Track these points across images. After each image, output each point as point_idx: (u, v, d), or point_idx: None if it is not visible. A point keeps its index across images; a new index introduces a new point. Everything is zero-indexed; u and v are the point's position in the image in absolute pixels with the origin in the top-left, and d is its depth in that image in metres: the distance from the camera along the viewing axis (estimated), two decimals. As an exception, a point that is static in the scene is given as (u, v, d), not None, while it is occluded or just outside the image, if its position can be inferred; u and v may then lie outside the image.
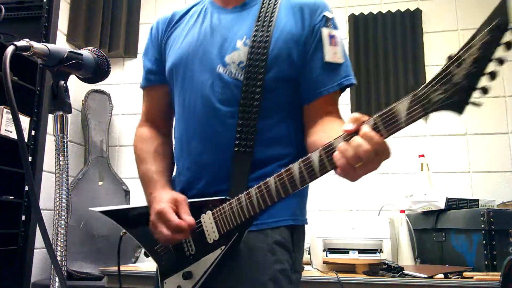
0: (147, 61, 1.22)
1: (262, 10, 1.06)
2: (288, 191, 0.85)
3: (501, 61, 0.62)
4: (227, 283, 0.97)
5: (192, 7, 1.19)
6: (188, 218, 0.94)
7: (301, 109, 1.06)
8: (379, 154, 0.73)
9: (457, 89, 0.66)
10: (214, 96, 1.01)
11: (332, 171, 0.82)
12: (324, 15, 1.05)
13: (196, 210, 0.98)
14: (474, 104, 0.66)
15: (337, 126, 0.94)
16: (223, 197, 0.96)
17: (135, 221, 1.06)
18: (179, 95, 1.09)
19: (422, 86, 0.69)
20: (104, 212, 1.09)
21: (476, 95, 0.66)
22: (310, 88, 1.03)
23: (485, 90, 0.65)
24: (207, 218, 0.97)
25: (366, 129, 0.73)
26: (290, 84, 1.03)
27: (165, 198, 0.98)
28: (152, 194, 1.03)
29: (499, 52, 0.62)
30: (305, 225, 1.09)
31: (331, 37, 1.04)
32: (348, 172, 0.77)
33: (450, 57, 0.67)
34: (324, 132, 0.96)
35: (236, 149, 0.98)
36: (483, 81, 0.64)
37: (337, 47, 1.04)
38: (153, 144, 1.14)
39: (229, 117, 0.99)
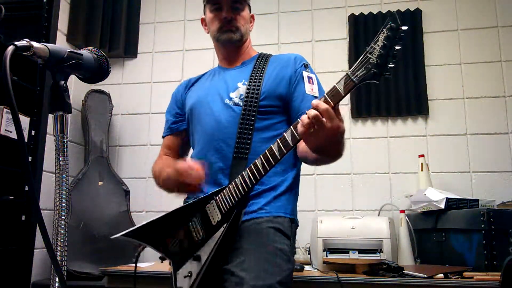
0: (170, 116, 1.63)
1: (256, 65, 1.49)
2: (271, 163, 1.12)
3: (397, 49, 0.98)
4: (234, 258, 1.20)
5: (204, 74, 1.65)
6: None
7: None
8: (329, 119, 1.00)
9: (373, 65, 0.98)
10: (224, 119, 1.40)
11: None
12: (303, 63, 1.47)
13: (203, 203, 1.26)
14: (387, 74, 0.99)
15: None
16: (224, 186, 1.26)
17: (150, 235, 1.25)
18: (199, 124, 1.48)
19: (351, 68, 1.01)
20: (126, 235, 1.21)
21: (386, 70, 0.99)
22: (294, 112, 1.41)
23: (392, 67, 0.98)
24: (212, 206, 1.26)
25: (316, 101, 1.02)
26: (279, 110, 1.42)
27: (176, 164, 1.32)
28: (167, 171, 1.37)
29: (396, 43, 0.98)
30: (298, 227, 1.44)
31: (309, 78, 1.45)
32: (306, 138, 1.05)
33: (366, 47, 1.00)
34: None
35: (235, 155, 1.34)
36: (390, 62, 0.99)
37: (314, 85, 1.44)
38: (168, 161, 1.51)
39: (233, 133, 1.37)
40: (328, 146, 1.06)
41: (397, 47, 0.98)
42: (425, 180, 2.43)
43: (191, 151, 1.60)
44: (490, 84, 2.63)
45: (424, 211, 2.25)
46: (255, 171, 1.15)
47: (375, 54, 0.99)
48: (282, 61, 1.49)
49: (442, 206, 2.09)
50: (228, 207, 1.21)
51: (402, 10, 2.80)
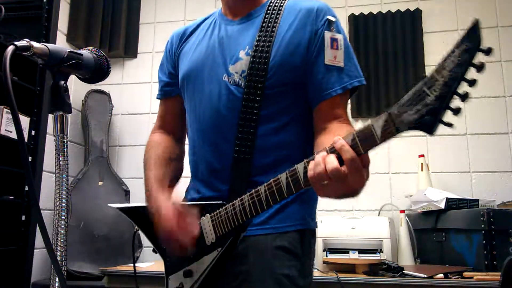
0: (162, 74, 1.28)
1: (265, 20, 1.09)
2: (276, 199, 0.87)
3: (472, 83, 0.63)
4: (231, 284, 1.01)
5: (204, 20, 1.25)
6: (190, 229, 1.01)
7: (310, 113, 1.07)
8: (354, 171, 0.75)
9: (429, 110, 0.67)
10: (222, 105, 1.06)
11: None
12: (327, 19, 1.06)
13: (197, 212, 1.03)
14: (446, 124, 0.67)
15: (345, 134, 0.95)
16: (220, 202, 1.01)
17: (147, 219, 1.08)
18: (190, 105, 1.16)
19: (396, 105, 0.70)
20: (120, 209, 1.15)
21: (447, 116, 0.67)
22: (315, 91, 1.04)
23: (456, 111, 0.65)
24: (206, 221, 1.02)
25: (341, 141, 0.75)
26: (293, 89, 1.05)
27: (164, 206, 1.02)
28: (151, 199, 1.08)
29: (471, 73, 0.63)
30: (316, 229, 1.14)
31: (333, 40, 1.04)
32: (316, 188, 0.78)
33: (423, 77, 0.67)
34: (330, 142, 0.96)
35: (236, 155, 1.03)
36: (455, 102, 0.65)
37: (339, 50, 1.04)
38: (158, 149, 1.20)
39: (233, 123, 1.04)
40: (343, 197, 0.81)
41: (469, 82, 0.63)
42: (425, 180, 2.43)
43: None
44: (490, 84, 2.63)
45: (424, 211, 2.25)
46: (257, 202, 0.90)
47: (435, 91, 0.65)
48: (300, 13, 1.08)
49: (442, 206, 2.09)
50: (224, 231, 0.98)
51: (402, 10, 2.80)
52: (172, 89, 1.25)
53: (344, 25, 2.88)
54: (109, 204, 1.16)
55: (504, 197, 2.40)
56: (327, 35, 1.05)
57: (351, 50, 1.08)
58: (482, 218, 1.85)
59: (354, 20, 2.85)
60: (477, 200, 2.13)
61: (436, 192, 2.21)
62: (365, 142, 0.74)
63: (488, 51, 0.61)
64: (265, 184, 0.88)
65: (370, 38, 2.82)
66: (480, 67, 0.62)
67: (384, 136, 0.71)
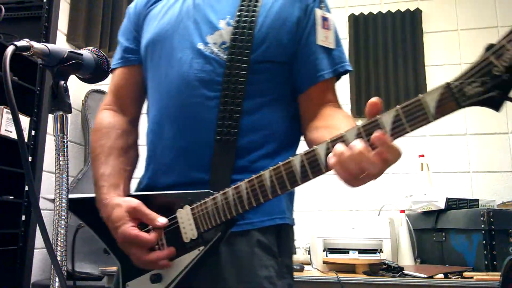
0: (124, 39, 1.09)
1: None
2: (286, 187, 0.74)
3: None
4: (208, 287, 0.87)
5: None
6: (152, 235, 0.84)
7: (293, 98, 0.98)
8: (388, 160, 0.64)
9: (497, 82, 0.58)
10: (193, 74, 0.91)
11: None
12: None
13: (171, 204, 0.87)
14: None
15: (341, 120, 0.89)
16: (206, 190, 0.84)
17: (96, 213, 0.91)
18: (154, 74, 0.99)
19: (457, 76, 0.60)
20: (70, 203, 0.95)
21: None
22: (306, 73, 0.95)
23: None
24: (185, 214, 0.85)
25: (379, 132, 0.64)
26: (277, 66, 0.94)
27: (119, 216, 0.86)
28: (102, 200, 0.91)
29: None
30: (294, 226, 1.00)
31: (324, 19, 0.96)
32: (349, 181, 0.69)
33: (490, 46, 0.59)
34: (326, 129, 0.87)
35: (218, 136, 0.88)
36: None
37: (330, 31, 0.96)
38: (112, 134, 1.01)
39: (210, 98, 0.90)
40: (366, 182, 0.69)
41: None
42: (425, 180, 2.43)
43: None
44: None
45: (424, 211, 2.25)
46: (258, 189, 0.76)
47: (505, 62, 0.57)
48: None
49: (442, 206, 2.09)
50: (210, 226, 0.82)
51: (402, 10, 2.80)
52: (135, 57, 1.05)
53: (344, 25, 2.88)
54: (41, 196, 1.00)
55: (504, 197, 2.40)
56: (319, 13, 0.96)
57: (338, 33, 1.01)
58: (482, 218, 1.85)
59: (354, 20, 2.85)
60: (477, 200, 2.13)
61: (436, 192, 2.21)
62: (412, 119, 0.63)
63: None
64: (270, 168, 0.75)
65: (370, 38, 2.82)
66: None
67: (440, 112, 0.61)
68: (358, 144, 0.65)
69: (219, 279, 0.86)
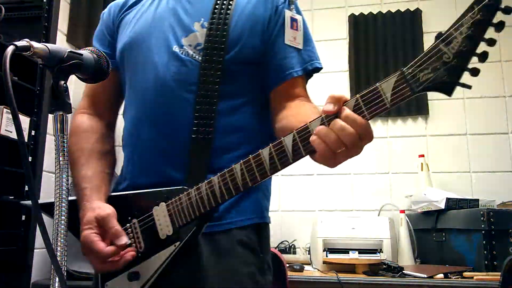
0: (99, 45, 1.10)
1: None
2: (256, 179, 0.77)
3: (491, 42, 0.61)
4: (188, 285, 0.88)
5: None
6: (110, 247, 0.86)
7: (266, 97, 1.00)
8: (362, 138, 0.68)
9: (447, 68, 0.62)
10: (170, 76, 0.94)
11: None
12: None
13: (147, 202, 0.89)
14: (464, 85, 0.63)
15: (309, 109, 0.91)
16: (180, 187, 0.87)
17: (73, 214, 0.93)
18: (131, 77, 1.02)
19: (410, 64, 0.65)
20: (42, 206, 0.91)
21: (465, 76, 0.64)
22: (274, 71, 0.98)
23: (475, 71, 0.62)
24: (160, 211, 0.88)
25: (348, 111, 0.68)
26: (251, 68, 0.98)
27: (88, 221, 0.88)
28: (84, 201, 0.93)
29: (490, 33, 0.62)
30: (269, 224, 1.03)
31: (293, 20, 1.00)
32: (328, 157, 0.71)
33: (439, 35, 0.63)
34: (294, 117, 0.90)
35: (194, 135, 0.90)
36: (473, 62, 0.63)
37: (298, 31, 1.00)
38: (89, 140, 1.02)
39: (186, 99, 0.92)
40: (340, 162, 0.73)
41: (488, 41, 0.61)
42: (425, 180, 2.43)
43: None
44: (490, 84, 2.62)
45: (424, 211, 2.25)
46: (230, 183, 0.79)
47: (453, 49, 0.62)
48: None
49: (442, 206, 2.09)
50: (185, 222, 0.84)
51: (402, 10, 2.80)
52: (111, 61, 1.00)
53: (344, 25, 2.88)
54: (21, 202, 0.99)
55: (504, 197, 2.40)
56: (287, 14, 0.99)
57: (309, 33, 1.03)
58: (482, 218, 1.85)
59: (354, 20, 2.85)
60: (477, 200, 2.13)
61: (436, 192, 2.21)
62: (371, 106, 0.67)
63: (508, 11, 0.61)
64: (241, 162, 0.78)
65: (370, 38, 2.82)
66: (499, 26, 0.61)
67: (395, 99, 0.65)
68: (339, 121, 0.69)
69: (201, 276, 0.88)
